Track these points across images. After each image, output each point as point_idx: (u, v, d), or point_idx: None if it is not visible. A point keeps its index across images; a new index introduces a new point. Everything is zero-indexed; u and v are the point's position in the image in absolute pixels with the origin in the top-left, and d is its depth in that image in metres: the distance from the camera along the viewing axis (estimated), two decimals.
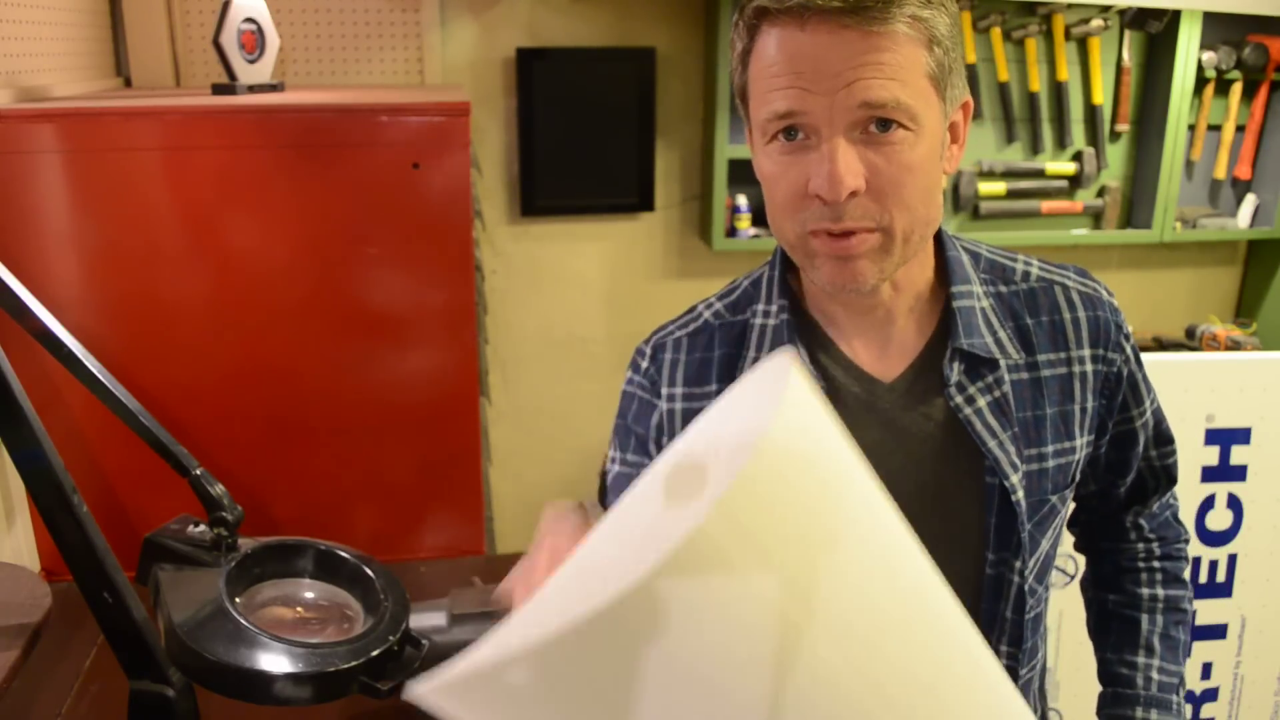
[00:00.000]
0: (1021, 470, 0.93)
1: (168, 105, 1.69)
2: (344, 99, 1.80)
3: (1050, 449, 0.95)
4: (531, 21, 2.58)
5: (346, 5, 2.44)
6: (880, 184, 0.82)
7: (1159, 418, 1.04)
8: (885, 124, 0.81)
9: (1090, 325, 0.96)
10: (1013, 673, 0.97)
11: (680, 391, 0.99)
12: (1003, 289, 0.97)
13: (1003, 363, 0.93)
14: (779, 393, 0.52)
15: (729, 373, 0.98)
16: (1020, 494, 0.92)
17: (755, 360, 0.96)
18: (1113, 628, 1.09)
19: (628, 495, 0.61)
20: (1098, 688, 1.10)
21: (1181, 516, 1.13)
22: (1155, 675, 1.04)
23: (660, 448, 1.01)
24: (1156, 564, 1.09)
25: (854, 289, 0.86)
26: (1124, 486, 1.06)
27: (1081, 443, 0.97)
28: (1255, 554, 2.10)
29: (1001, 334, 0.94)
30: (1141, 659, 1.05)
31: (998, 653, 0.96)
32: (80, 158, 1.64)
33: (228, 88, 1.90)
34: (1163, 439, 1.05)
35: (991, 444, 0.92)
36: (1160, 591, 1.08)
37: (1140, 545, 1.09)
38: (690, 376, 0.99)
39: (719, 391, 0.98)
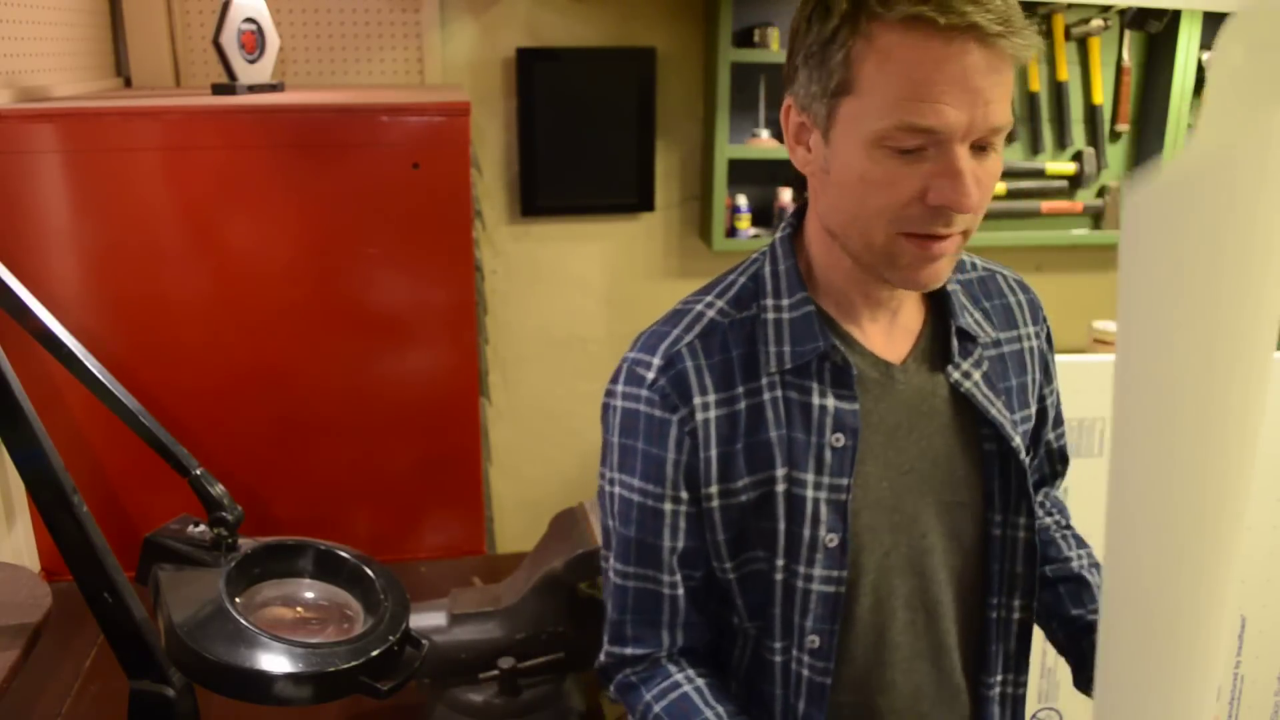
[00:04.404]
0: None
1: (168, 105, 1.69)
2: (344, 99, 1.80)
3: (1018, 416, 1.04)
4: (531, 21, 2.58)
5: (346, 5, 2.44)
6: (981, 194, 0.86)
7: (1058, 397, 1.14)
8: (990, 141, 0.85)
9: (1030, 306, 1.08)
10: (1025, 626, 1.05)
11: (714, 399, 0.95)
12: (960, 277, 1.05)
13: (981, 340, 1.02)
14: None
15: (752, 371, 0.96)
16: (1024, 454, 1.01)
17: (778, 354, 0.95)
18: (1061, 591, 1.13)
19: None
20: None
21: None
22: None
23: (685, 467, 0.96)
24: (1068, 532, 1.18)
25: (931, 286, 0.92)
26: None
27: (1034, 411, 1.07)
28: (1255, 554, 2.10)
29: (975, 314, 1.03)
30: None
31: (1012, 609, 1.04)
32: (80, 158, 1.64)
33: (228, 88, 1.90)
34: (1059, 420, 1.15)
35: (993, 411, 1.00)
36: (1083, 551, 1.16)
37: (1049, 520, 1.18)
38: (718, 381, 0.96)
39: (746, 394, 0.96)
